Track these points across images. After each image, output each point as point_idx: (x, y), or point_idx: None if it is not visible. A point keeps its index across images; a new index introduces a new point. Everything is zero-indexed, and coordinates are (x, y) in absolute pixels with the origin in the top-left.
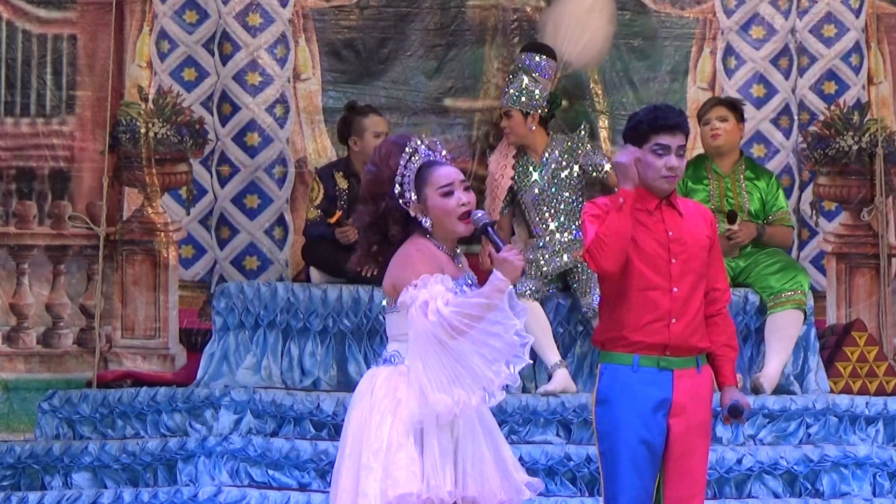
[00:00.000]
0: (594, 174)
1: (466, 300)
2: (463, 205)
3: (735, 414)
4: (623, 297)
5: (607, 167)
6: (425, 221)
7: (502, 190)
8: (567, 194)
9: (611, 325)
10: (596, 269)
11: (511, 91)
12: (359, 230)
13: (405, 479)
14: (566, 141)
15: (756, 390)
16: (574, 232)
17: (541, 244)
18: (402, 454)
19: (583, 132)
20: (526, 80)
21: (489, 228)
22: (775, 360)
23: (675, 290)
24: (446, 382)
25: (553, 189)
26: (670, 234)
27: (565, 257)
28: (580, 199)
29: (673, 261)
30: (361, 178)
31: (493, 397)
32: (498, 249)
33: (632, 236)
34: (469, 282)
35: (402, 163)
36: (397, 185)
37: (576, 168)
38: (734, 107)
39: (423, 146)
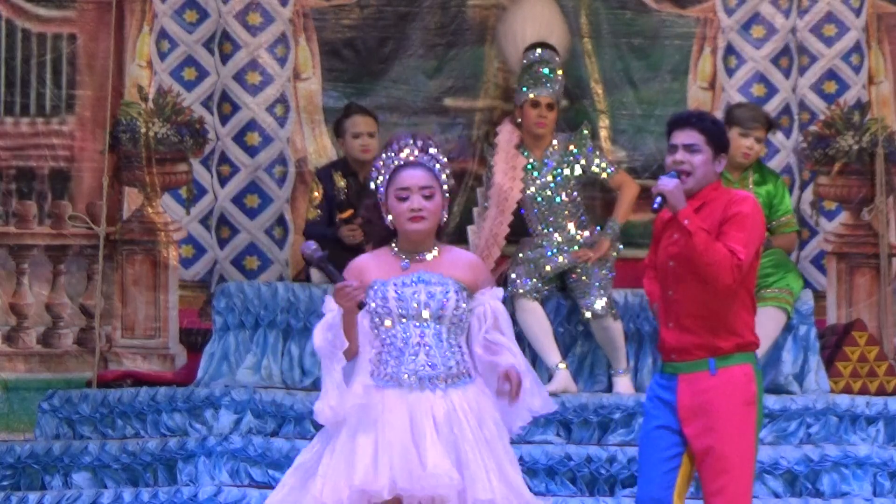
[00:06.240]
0: (601, 174)
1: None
2: (412, 210)
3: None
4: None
5: (611, 169)
6: (389, 220)
7: (511, 202)
8: (565, 193)
9: None
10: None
11: (556, 86)
12: (363, 221)
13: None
14: (569, 139)
15: None
16: (570, 232)
17: (537, 244)
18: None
19: (585, 131)
20: (561, 75)
21: (322, 263)
22: None
23: (671, 293)
24: (324, 391)
25: (552, 188)
26: (675, 236)
27: (562, 258)
28: (577, 198)
29: (671, 263)
30: (359, 177)
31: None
32: (335, 283)
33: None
34: (424, 279)
35: (379, 161)
36: (372, 183)
37: (577, 168)
38: (771, 127)
39: (409, 146)
